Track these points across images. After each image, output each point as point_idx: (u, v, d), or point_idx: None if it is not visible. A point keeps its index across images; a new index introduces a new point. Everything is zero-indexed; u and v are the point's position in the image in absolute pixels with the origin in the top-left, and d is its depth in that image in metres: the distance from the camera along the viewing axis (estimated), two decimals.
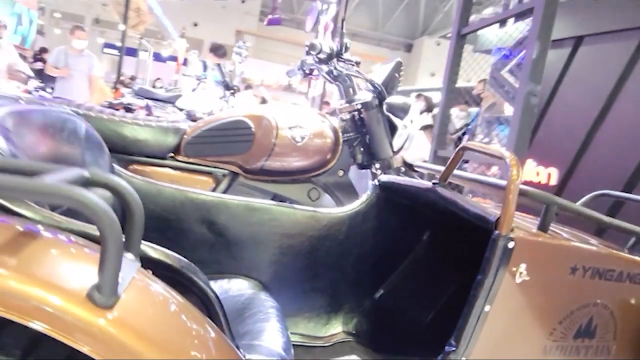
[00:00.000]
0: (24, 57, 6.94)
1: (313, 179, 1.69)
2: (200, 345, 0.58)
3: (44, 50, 7.23)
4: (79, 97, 4.84)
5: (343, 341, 1.36)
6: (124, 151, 1.57)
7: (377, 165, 1.76)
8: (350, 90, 1.84)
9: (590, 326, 0.98)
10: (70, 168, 0.57)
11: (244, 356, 0.77)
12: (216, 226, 1.29)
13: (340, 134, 1.75)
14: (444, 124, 3.71)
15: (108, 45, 20.26)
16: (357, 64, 1.84)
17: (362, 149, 1.78)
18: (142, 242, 0.69)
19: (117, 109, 5.78)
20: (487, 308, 0.87)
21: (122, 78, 12.19)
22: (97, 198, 0.50)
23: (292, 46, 17.51)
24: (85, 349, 0.46)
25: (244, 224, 1.30)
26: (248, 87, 11.00)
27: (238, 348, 0.76)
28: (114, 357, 0.46)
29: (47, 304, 0.45)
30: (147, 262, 0.68)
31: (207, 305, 0.74)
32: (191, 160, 1.61)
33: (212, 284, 1.23)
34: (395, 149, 1.78)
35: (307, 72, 1.84)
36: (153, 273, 0.67)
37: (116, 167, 1.55)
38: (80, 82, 5.22)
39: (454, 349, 0.86)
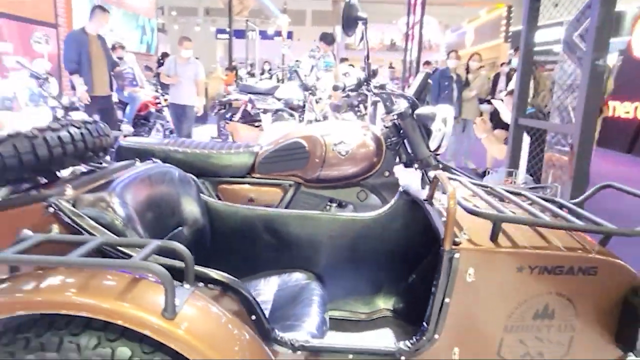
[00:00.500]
0: (148, 68, 7.98)
1: (362, 182, 2.02)
2: (234, 339, 1.00)
3: (165, 55, 8.24)
4: (188, 100, 5.74)
5: (383, 316, 1.71)
6: (214, 175, 2.06)
7: (416, 165, 2.03)
8: (388, 102, 2.10)
9: (547, 310, 1.20)
10: (152, 241, 1.01)
11: (279, 335, 1.18)
12: (279, 233, 1.71)
13: (383, 141, 2.04)
14: (523, 89, 3.68)
15: (220, 31, 21.83)
16: (382, 87, 2.10)
17: (404, 151, 2.06)
18: (204, 268, 1.12)
19: (226, 106, 6.50)
20: (447, 300, 1.16)
21: (233, 63, 13.31)
22: (158, 267, 0.91)
23: (394, 5, 17.14)
24: (165, 342, 0.90)
25: (300, 230, 1.70)
26: (343, 59, 11.27)
27: (273, 330, 1.17)
28: (177, 346, 0.90)
29: (147, 320, 0.89)
30: (207, 281, 1.12)
31: (247, 305, 1.15)
32: (264, 176, 2.04)
33: (277, 277, 1.67)
34: (432, 149, 2.02)
35: (354, 104, 2.15)
36: (212, 286, 1.11)
37: (208, 188, 2.05)
38: (187, 87, 5.84)
39: (426, 328, 1.18)
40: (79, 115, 3.79)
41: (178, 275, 1.02)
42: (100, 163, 1.50)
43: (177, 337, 0.88)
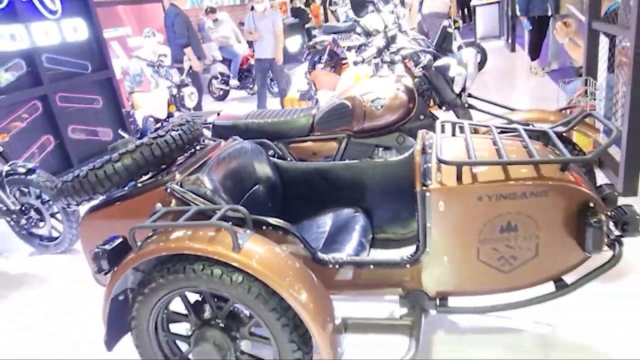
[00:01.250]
0: (242, 24, 8.54)
1: (400, 128, 2.38)
2: (282, 260, 1.57)
3: (212, 10, 8.40)
4: (269, 54, 6.09)
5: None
6: (285, 137, 2.60)
7: (444, 107, 2.33)
8: (415, 57, 2.39)
9: (511, 225, 1.55)
10: (225, 206, 1.60)
11: (321, 256, 1.74)
12: (331, 180, 2.22)
13: (415, 90, 2.36)
14: None
15: None
16: (398, 51, 2.36)
17: (436, 96, 2.36)
18: (260, 217, 1.71)
19: (313, 49, 6.89)
20: (428, 224, 1.59)
21: None
22: (223, 222, 1.50)
23: None
24: (235, 268, 1.50)
25: (347, 176, 2.19)
26: None
27: (316, 252, 1.74)
28: (244, 268, 1.49)
29: (225, 254, 1.50)
30: (264, 224, 1.71)
31: (294, 237, 1.71)
32: (321, 133, 2.52)
33: (332, 214, 2.21)
34: (457, 92, 2.29)
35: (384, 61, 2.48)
36: (267, 228, 1.70)
37: (282, 148, 2.62)
38: (268, 40, 6.06)
39: (419, 245, 1.64)
40: (188, 90, 4.58)
41: (243, 224, 1.63)
42: (196, 147, 2.14)
43: (242, 263, 1.48)
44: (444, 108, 2.38)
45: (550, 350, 1.88)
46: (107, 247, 1.64)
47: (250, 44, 7.45)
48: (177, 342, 1.84)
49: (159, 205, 1.76)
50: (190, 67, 5.55)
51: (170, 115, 4.55)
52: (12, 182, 3.30)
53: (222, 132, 2.65)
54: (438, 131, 1.84)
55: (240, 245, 1.49)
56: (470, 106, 2.36)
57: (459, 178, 1.54)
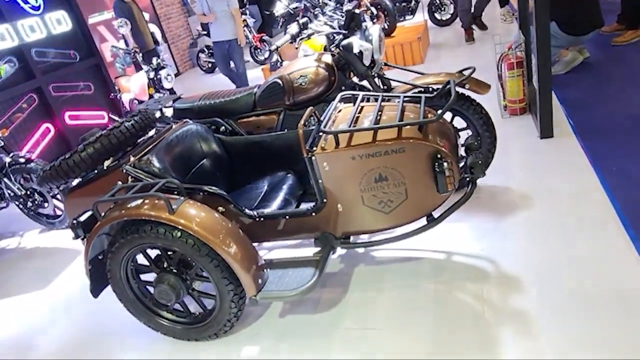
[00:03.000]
0: None
1: (326, 98, 2.77)
2: (212, 218, 2.04)
3: None
4: (230, 34, 5.81)
5: None
6: (233, 114, 3.02)
7: (355, 78, 2.73)
8: (331, 36, 2.76)
9: (382, 176, 1.97)
10: (161, 181, 2.07)
11: (247, 212, 2.22)
12: (268, 150, 2.66)
13: (334, 65, 2.74)
14: None
15: None
16: (310, 35, 2.72)
17: (352, 69, 2.74)
18: (192, 185, 2.18)
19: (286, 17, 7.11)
20: (320, 181, 2.04)
21: None
22: (157, 193, 1.97)
23: None
24: (168, 226, 1.97)
25: (279, 145, 2.64)
26: None
27: (243, 209, 2.21)
28: (179, 226, 1.96)
29: (164, 217, 1.96)
30: (197, 191, 2.19)
31: (223, 199, 2.19)
32: (262, 108, 2.93)
33: (269, 177, 2.66)
34: (367, 65, 2.67)
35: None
36: (204, 194, 2.18)
37: (232, 124, 3.05)
38: (225, 20, 5.71)
39: (317, 198, 2.10)
40: (165, 72, 4.98)
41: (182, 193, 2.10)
42: (151, 132, 2.59)
43: (174, 221, 1.95)
44: (357, 79, 2.77)
45: (440, 272, 2.35)
46: (80, 219, 2.14)
47: (205, 26, 7.31)
48: (148, 287, 2.36)
49: (119, 183, 2.24)
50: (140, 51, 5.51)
51: (151, 97, 4.98)
52: (15, 171, 3.83)
53: (181, 114, 3.09)
54: (334, 104, 2.26)
55: (174, 209, 1.97)
56: (379, 76, 2.76)
57: (337, 144, 1.98)
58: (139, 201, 2.03)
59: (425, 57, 6.34)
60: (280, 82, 2.81)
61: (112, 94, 5.85)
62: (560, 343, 1.78)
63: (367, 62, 2.62)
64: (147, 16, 6.58)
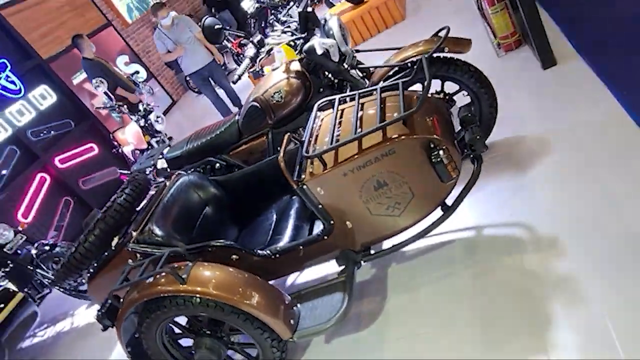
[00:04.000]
0: None
1: (308, 106, 2.64)
2: (228, 276, 1.97)
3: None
4: (207, 58, 5.45)
5: None
6: (224, 147, 2.92)
7: (331, 76, 2.56)
8: (293, 44, 2.62)
9: (381, 182, 1.84)
10: (166, 251, 2.01)
11: (260, 252, 2.14)
12: (263, 178, 2.55)
13: (305, 71, 2.59)
14: None
15: None
16: (270, 50, 2.56)
17: (323, 71, 2.58)
18: (195, 245, 2.12)
19: None
20: (320, 205, 1.93)
21: None
22: (163, 270, 1.91)
23: None
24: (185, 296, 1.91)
25: (272, 170, 2.52)
26: None
27: (256, 251, 2.14)
28: (195, 295, 1.91)
29: (178, 289, 1.91)
30: (207, 247, 2.12)
31: (233, 249, 2.11)
32: (249, 134, 2.82)
33: (274, 205, 2.57)
34: (337, 60, 2.51)
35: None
36: (212, 250, 2.11)
37: (226, 158, 2.96)
38: (195, 47, 5.34)
39: (323, 222, 1.99)
40: (153, 116, 4.93)
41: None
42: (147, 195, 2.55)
43: (188, 291, 1.90)
44: (332, 77, 2.61)
45: (473, 252, 2.22)
46: (102, 310, 2.12)
47: (173, 64, 6.58)
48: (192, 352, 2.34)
49: (129, 261, 2.21)
50: (127, 102, 5.22)
51: (148, 144, 4.96)
52: (44, 259, 3.90)
53: (174, 163, 3.04)
54: (312, 116, 2.13)
55: (185, 278, 1.91)
56: (359, 64, 2.60)
57: (325, 164, 1.86)
58: (151, 279, 1.99)
59: (405, 12, 6.05)
60: (258, 105, 2.69)
61: (113, 150, 5.89)
62: (618, 303, 1.64)
63: (335, 58, 2.47)
64: (126, 58, 6.52)
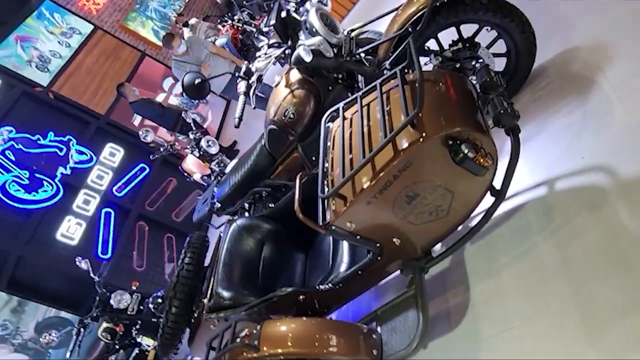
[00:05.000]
0: None
1: (325, 105, 2.40)
2: (296, 330, 1.93)
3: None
4: (226, 66, 5.32)
5: None
6: (265, 173, 2.82)
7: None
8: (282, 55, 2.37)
9: (411, 195, 1.59)
10: (232, 322, 2.01)
11: (323, 287, 2.06)
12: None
13: (307, 78, 2.33)
14: None
15: None
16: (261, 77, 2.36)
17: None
18: (265, 299, 2.09)
19: None
20: (357, 237, 1.74)
21: None
22: (233, 345, 1.91)
23: None
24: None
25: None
26: None
27: (321, 282, 2.07)
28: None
29: (252, 357, 1.91)
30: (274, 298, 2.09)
31: (300, 291, 2.06)
32: (281, 157, 2.69)
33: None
34: (330, 56, 2.21)
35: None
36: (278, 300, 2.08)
37: (269, 183, 2.89)
38: (215, 62, 5.29)
39: (370, 250, 1.83)
40: (205, 142, 4.99)
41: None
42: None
43: (268, 355, 1.90)
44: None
45: (550, 214, 1.92)
46: None
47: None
48: None
49: (212, 327, 2.28)
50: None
51: (211, 170, 5.07)
52: (162, 308, 4.24)
53: (225, 201, 3.04)
54: (322, 135, 1.94)
55: (257, 344, 1.91)
56: (359, 44, 2.29)
57: (344, 198, 1.69)
58: (229, 354, 2.02)
59: None
60: (275, 127, 2.55)
61: (187, 179, 6.15)
62: None
63: (329, 54, 2.21)
64: (171, 79, 6.63)
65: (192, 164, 5.36)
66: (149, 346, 4.18)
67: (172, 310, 2.34)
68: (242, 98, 2.40)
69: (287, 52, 2.33)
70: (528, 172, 2.11)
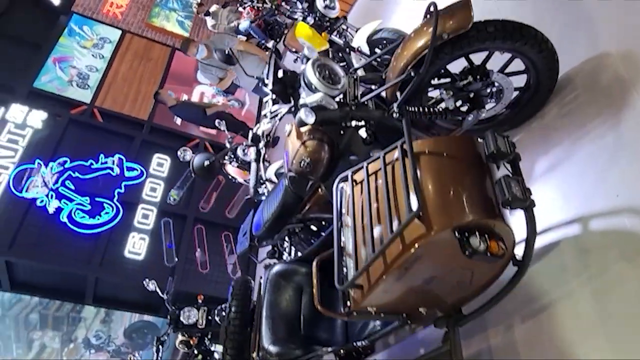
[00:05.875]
0: None
1: (341, 150, 2.35)
2: None
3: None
4: (260, 67, 5.06)
5: None
6: (294, 210, 2.85)
7: None
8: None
9: (428, 279, 1.56)
10: None
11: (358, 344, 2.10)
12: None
13: (317, 127, 2.27)
14: None
15: None
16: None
17: None
18: (310, 356, 2.17)
19: None
20: (381, 314, 1.74)
21: None
22: None
23: None
24: None
25: None
26: None
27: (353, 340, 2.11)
28: None
29: None
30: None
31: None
32: (306, 197, 2.69)
33: None
34: (335, 107, 2.10)
35: None
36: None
37: (300, 218, 2.91)
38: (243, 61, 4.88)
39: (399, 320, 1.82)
40: (240, 150, 5.05)
41: None
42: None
43: None
44: None
45: (586, 253, 1.81)
46: None
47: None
48: None
49: None
50: None
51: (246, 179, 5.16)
52: None
53: (265, 238, 3.12)
54: (335, 206, 1.91)
55: None
56: (359, 100, 2.18)
57: (361, 287, 1.68)
58: None
59: None
60: (294, 175, 2.54)
61: (233, 181, 6.29)
62: None
63: (333, 106, 2.13)
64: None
65: (232, 172, 5.47)
66: None
67: (226, 357, 2.47)
68: (253, 166, 2.38)
69: (293, 109, 2.26)
70: (560, 204, 1.99)
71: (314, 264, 1.92)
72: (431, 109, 2.11)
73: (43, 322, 6.01)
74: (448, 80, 2.13)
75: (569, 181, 1.98)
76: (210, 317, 4.53)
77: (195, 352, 4.90)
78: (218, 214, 6.73)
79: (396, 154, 1.68)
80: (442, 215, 1.48)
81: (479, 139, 1.62)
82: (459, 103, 2.11)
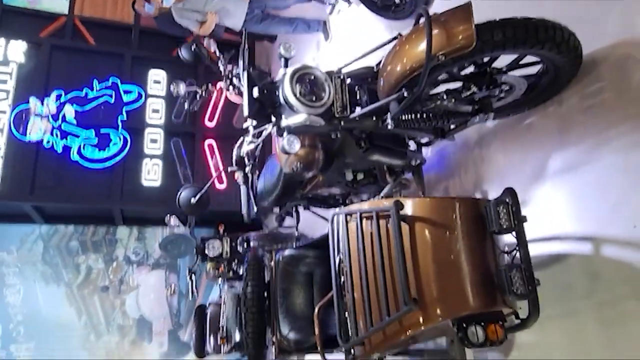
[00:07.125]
0: None
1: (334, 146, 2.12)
2: None
3: None
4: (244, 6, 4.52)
5: None
6: (297, 186, 2.73)
7: None
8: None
9: (431, 336, 1.53)
10: None
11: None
12: None
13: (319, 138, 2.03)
14: None
15: None
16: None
17: None
18: None
19: None
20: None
21: None
22: None
23: None
24: None
25: None
26: None
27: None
28: None
29: None
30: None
31: None
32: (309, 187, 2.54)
33: None
34: (321, 123, 1.79)
35: None
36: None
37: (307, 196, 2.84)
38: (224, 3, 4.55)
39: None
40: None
41: None
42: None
43: None
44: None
45: (596, 276, 1.74)
46: None
47: None
48: None
49: None
50: None
51: None
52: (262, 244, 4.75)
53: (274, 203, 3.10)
54: (332, 248, 1.84)
55: None
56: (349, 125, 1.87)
57: (362, 344, 1.69)
58: None
59: None
60: (290, 173, 2.39)
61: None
62: None
63: (318, 123, 1.87)
64: None
65: (234, 99, 5.18)
66: None
67: (249, 332, 2.63)
68: (243, 189, 2.22)
69: (274, 128, 2.01)
70: (574, 213, 1.86)
71: (315, 313, 1.92)
72: (430, 115, 1.86)
73: (83, 247, 6.43)
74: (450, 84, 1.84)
75: (586, 192, 1.81)
76: (234, 244, 4.75)
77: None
78: (225, 126, 6.58)
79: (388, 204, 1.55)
80: (440, 306, 1.41)
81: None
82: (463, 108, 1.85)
